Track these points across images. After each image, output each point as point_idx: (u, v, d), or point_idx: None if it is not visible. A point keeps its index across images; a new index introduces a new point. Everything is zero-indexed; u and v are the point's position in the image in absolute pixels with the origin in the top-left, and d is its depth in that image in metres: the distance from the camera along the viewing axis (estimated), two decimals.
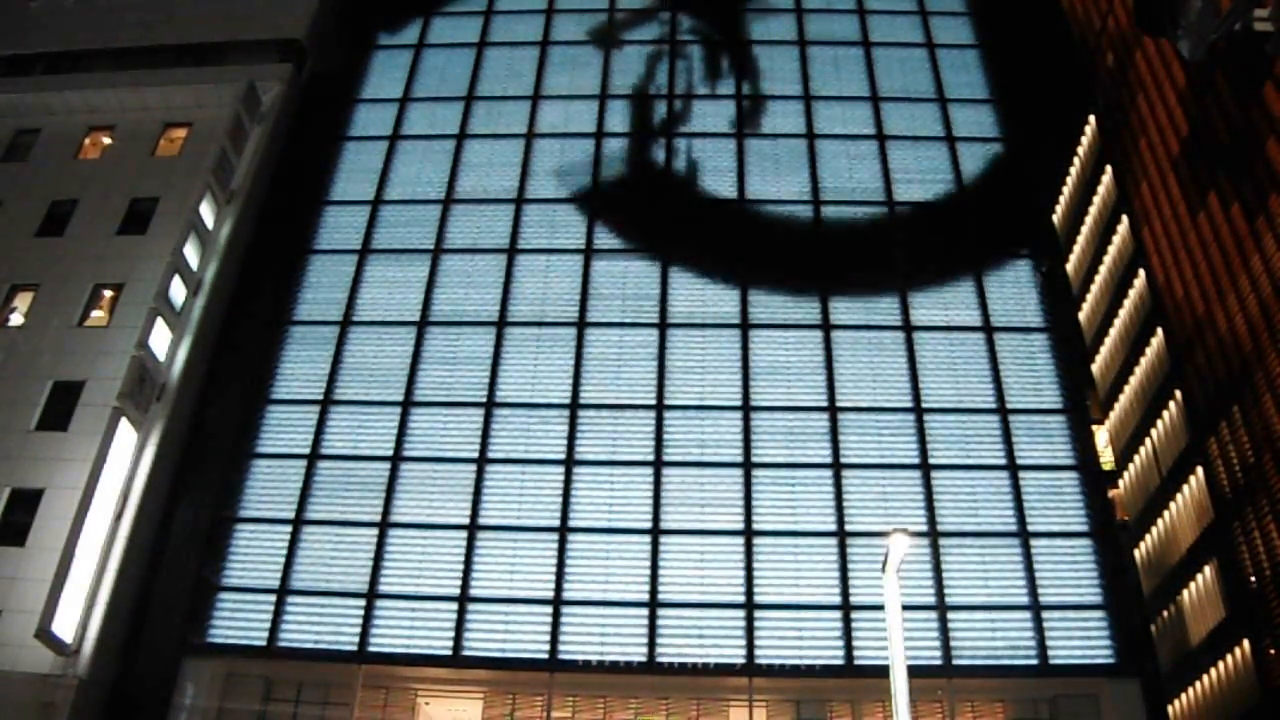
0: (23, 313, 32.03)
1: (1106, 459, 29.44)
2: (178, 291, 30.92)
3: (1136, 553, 27.68)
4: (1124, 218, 29.16)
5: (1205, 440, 24.03)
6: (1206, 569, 23.81)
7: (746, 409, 29.64)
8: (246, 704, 26.52)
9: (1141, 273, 27.88)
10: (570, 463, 28.94)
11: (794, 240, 33.22)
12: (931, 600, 26.33)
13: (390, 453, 29.46)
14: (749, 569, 27.03)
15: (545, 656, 26.09)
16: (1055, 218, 34.29)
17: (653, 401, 29.92)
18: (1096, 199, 31.32)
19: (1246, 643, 21.65)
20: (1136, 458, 27.94)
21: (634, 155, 35.77)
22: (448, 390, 30.63)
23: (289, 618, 27.01)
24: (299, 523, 28.46)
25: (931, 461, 28.52)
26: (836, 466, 28.53)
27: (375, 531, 28.13)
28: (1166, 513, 26.10)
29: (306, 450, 29.73)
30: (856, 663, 25.62)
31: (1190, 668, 24.21)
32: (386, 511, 28.46)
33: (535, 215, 34.32)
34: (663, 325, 31.42)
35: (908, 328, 30.99)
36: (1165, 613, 25.93)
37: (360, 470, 29.28)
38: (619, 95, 37.34)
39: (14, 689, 25.05)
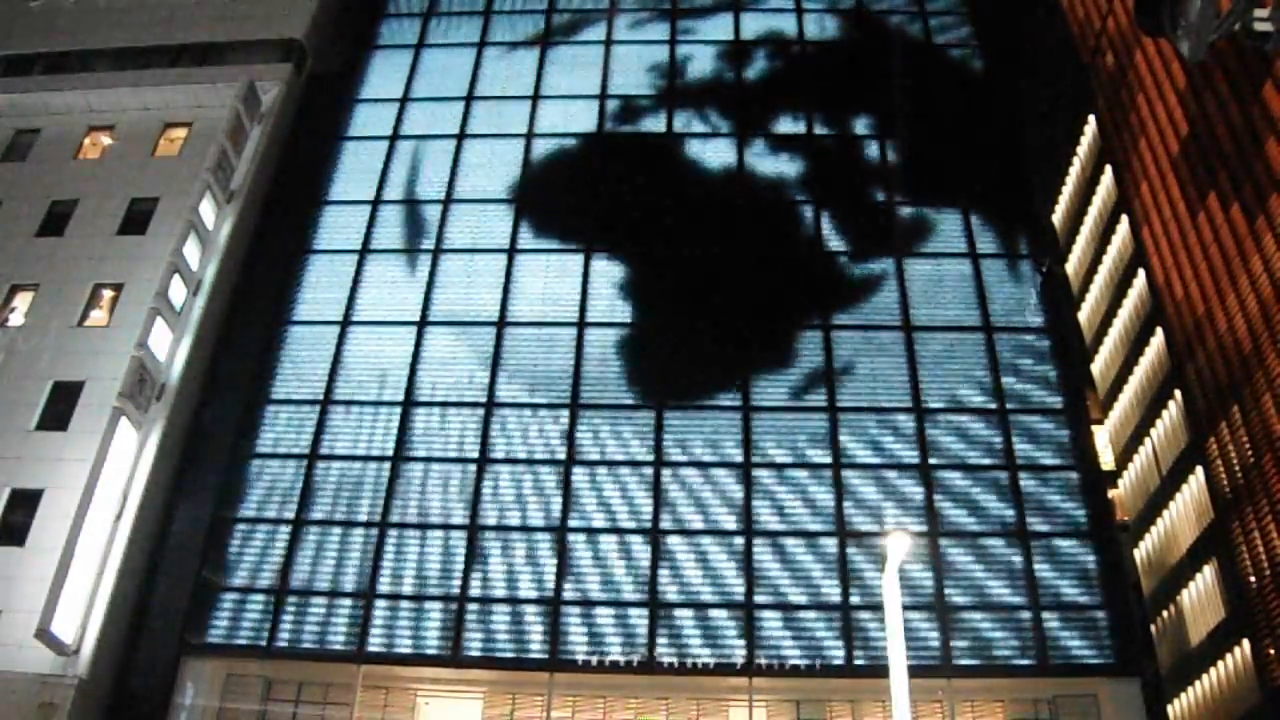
0: (23, 313, 32.02)
1: (1106, 459, 29.42)
2: (178, 291, 30.91)
3: (1136, 553, 27.65)
4: (1124, 218, 29.13)
5: (1205, 440, 24.01)
6: (1206, 569, 23.79)
7: (747, 409, 29.63)
8: (246, 704, 26.51)
9: (1141, 273, 27.86)
10: (570, 463, 28.93)
11: (795, 240, 33.21)
12: (931, 600, 26.33)
13: (390, 453, 29.46)
14: (749, 569, 27.02)
15: (545, 656, 26.10)
16: (1055, 218, 34.27)
17: (653, 401, 29.92)
18: (1096, 199, 31.29)
19: (1246, 643, 21.63)
20: (1136, 458, 27.92)
21: (636, 155, 35.78)
22: (448, 390, 30.63)
23: (289, 618, 27.01)
24: (299, 523, 28.46)
25: (931, 461, 28.52)
26: (836, 466, 28.52)
27: (375, 531, 28.13)
28: (1166, 513, 26.07)
29: (306, 450, 29.74)
30: (856, 663, 25.62)
31: (1190, 668, 24.19)
32: (386, 511, 28.46)
33: (535, 215, 34.31)
34: (665, 325, 31.41)
35: (907, 327, 31.00)
36: (1165, 613, 25.91)
37: (360, 470, 29.27)
38: (619, 95, 37.35)
39: (14, 689, 25.05)
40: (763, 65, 38.13)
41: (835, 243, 33.06)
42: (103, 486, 26.79)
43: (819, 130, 35.79)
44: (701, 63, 38.26)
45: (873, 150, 35.23)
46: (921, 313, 31.32)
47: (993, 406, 29.40)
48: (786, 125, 36.02)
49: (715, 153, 35.41)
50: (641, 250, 33.19)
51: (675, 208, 34.13)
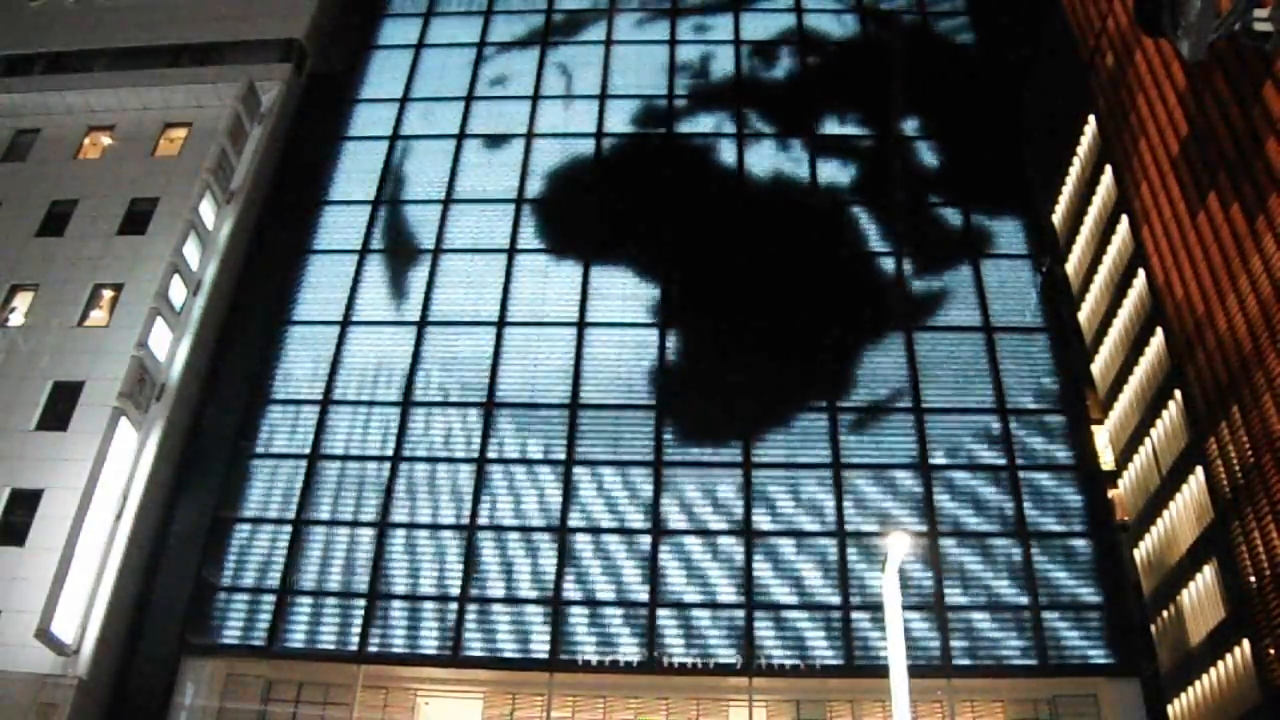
0: (23, 313, 32.03)
1: (1106, 459, 29.42)
2: (178, 291, 30.92)
3: (1136, 553, 27.65)
4: (1124, 218, 29.13)
5: (1205, 440, 24.01)
6: (1206, 569, 23.79)
7: (749, 407, 29.60)
8: (246, 704, 26.52)
9: (1141, 273, 27.85)
10: (570, 463, 28.93)
11: (796, 241, 33.20)
12: (931, 600, 26.33)
13: (390, 453, 29.46)
14: (749, 569, 27.02)
15: (545, 656, 26.10)
16: (1055, 218, 34.27)
17: (652, 401, 29.91)
18: (1096, 199, 31.29)
19: (1246, 643, 21.63)
20: (1136, 458, 27.91)
21: (636, 155, 35.77)
22: (448, 390, 30.64)
23: (289, 618, 27.01)
24: (299, 523, 28.47)
25: (931, 461, 28.51)
26: (836, 466, 28.51)
27: (375, 531, 28.13)
28: (1166, 513, 26.07)
29: (306, 450, 29.74)
30: (856, 663, 25.62)
31: (1190, 668, 24.19)
32: (386, 511, 28.46)
33: (535, 215, 34.32)
34: (663, 325, 31.42)
35: (907, 327, 30.98)
36: (1165, 613, 25.91)
37: (360, 470, 29.27)
38: (619, 95, 37.34)
39: (14, 689, 25.06)
40: (768, 65, 38.10)
41: (838, 246, 33.02)
42: (103, 486, 26.79)
43: (824, 131, 35.75)
44: (701, 62, 38.25)
45: (875, 151, 35.22)
46: (920, 313, 31.27)
47: (993, 406, 29.38)
48: (794, 125, 35.99)
49: (722, 153, 35.39)
50: (636, 251, 33.20)
51: (677, 210, 34.13)
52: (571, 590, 26.97)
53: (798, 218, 33.69)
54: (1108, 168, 30.52)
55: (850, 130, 35.84)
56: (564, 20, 40.31)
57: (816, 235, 33.21)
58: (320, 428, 30.11)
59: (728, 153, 35.34)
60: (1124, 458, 28.65)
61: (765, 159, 35.16)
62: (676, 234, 33.45)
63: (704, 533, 27.70)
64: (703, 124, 36.34)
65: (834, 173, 34.70)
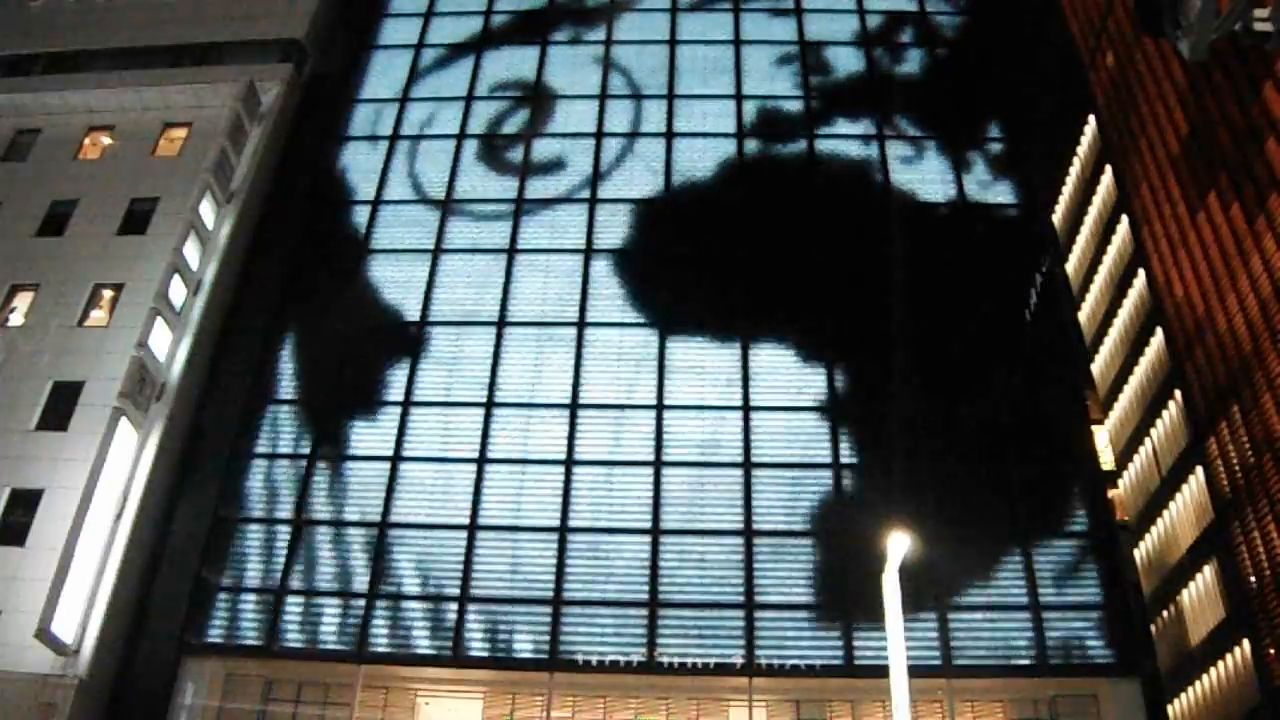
0: (23, 313, 32.03)
1: (1106, 459, 29.42)
2: (178, 291, 30.93)
3: (1136, 553, 27.66)
4: (1124, 218, 29.15)
5: (1205, 440, 24.02)
6: (1206, 569, 23.81)
7: (746, 409, 29.61)
8: (246, 704, 26.51)
9: (1141, 273, 27.87)
10: (570, 463, 28.92)
11: (793, 243, 33.19)
12: (931, 600, 26.29)
13: (390, 453, 29.45)
14: (749, 569, 27.00)
15: (545, 656, 26.09)
16: (1055, 218, 34.27)
17: (653, 401, 29.90)
18: (1096, 199, 31.31)
19: (1246, 643, 21.65)
20: (1136, 458, 27.93)
21: (635, 153, 35.77)
22: (448, 390, 30.63)
23: (289, 618, 27.01)
24: (299, 523, 28.46)
25: (931, 461, 28.43)
26: (836, 466, 28.49)
27: (376, 531, 28.12)
28: (1166, 513, 26.08)
29: (306, 450, 29.73)
30: (856, 663, 25.61)
31: (1190, 668, 24.20)
32: (386, 511, 28.45)
33: (535, 215, 34.30)
34: (662, 325, 31.42)
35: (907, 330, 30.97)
36: (1165, 613, 25.92)
37: (360, 470, 29.27)
38: (621, 95, 37.34)
39: (14, 689, 25.06)
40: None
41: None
42: (103, 486, 26.80)
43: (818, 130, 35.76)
44: (695, 63, 38.27)
45: (870, 148, 35.24)
46: (917, 310, 31.23)
47: (992, 406, 29.34)
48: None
49: (707, 158, 35.42)
50: (631, 249, 33.25)
51: (667, 210, 34.14)
52: (572, 590, 26.95)
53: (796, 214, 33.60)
54: (1108, 168, 30.54)
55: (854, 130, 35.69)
56: (563, 19, 40.24)
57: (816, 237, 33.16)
58: (320, 428, 30.08)
59: (725, 153, 35.24)
60: (1124, 458, 28.66)
61: (763, 168, 35.07)
62: (677, 236, 33.37)
63: (704, 532, 27.67)
64: (699, 126, 36.28)
65: (838, 171, 34.60)
